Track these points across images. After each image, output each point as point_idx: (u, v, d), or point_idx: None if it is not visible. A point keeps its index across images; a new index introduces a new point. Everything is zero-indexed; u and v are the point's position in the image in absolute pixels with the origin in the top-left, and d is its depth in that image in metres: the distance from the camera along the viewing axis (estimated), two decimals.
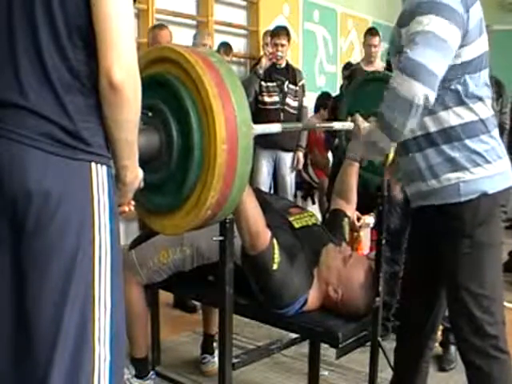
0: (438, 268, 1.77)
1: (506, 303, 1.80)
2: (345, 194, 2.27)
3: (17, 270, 1.10)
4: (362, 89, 2.51)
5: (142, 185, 1.29)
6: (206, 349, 2.64)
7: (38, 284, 1.08)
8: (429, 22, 1.54)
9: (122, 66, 1.07)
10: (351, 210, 2.30)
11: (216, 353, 2.46)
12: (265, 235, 1.81)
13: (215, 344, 2.51)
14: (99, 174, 1.11)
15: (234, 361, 1.74)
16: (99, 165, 1.11)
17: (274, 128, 1.81)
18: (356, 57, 6.30)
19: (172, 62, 1.41)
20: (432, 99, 1.52)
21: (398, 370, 1.99)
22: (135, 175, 1.23)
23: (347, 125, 2.20)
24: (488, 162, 1.66)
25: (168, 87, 1.40)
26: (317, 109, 5.48)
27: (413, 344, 1.91)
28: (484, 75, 1.69)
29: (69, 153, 1.08)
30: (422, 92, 1.50)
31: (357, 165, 2.24)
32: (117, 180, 1.21)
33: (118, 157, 1.17)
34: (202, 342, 2.66)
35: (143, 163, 1.26)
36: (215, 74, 1.37)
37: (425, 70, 1.51)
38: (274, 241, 1.84)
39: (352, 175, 2.25)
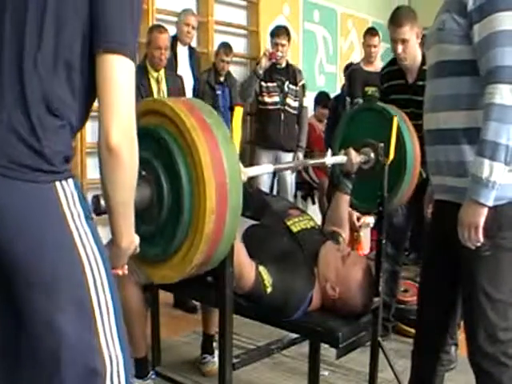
0: (456, 269, 1.74)
1: None
2: (338, 224, 2.28)
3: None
4: (356, 119, 2.53)
5: (138, 250, 1.29)
6: (206, 349, 2.64)
7: (27, 307, 1.09)
8: None
9: (120, 129, 1.09)
10: (345, 233, 2.31)
11: (216, 353, 2.46)
12: (248, 274, 1.81)
13: (215, 344, 2.51)
14: (66, 189, 1.10)
15: (234, 361, 1.74)
16: (63, 181, 1.10)
17: (266, 169, 1.85)
18: (356, 57, 6.29)
19: (170, 120, 1.44)
20: None
21: (414, 374, 1.98)
22: (130, 240, 1.23)
23: (339, 159, 2.22)
24: None
25: (163, 147, 1.43)
26: (315, 108, 5.47)
27: (430, 347, 1.90)
28: None
29: (32, 176, 1.06)
30: None
31: (348, 198, 2.27)
32: (112, 243, 1.21)
33: (114, 220, 1.18)
34: (202, 342, 2.66)
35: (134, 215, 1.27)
36: (209, 138, 1.39)
37: None
38: (260, 268, 1.85)
39: (344, 208, 2.28)
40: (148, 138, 1.41)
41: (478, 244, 1.61)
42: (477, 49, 1.58)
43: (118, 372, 1.13)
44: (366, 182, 2.32)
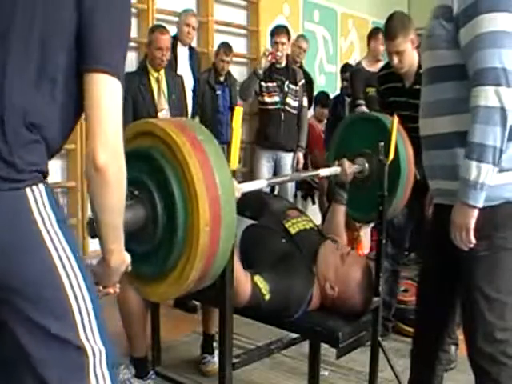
0: (454, 269, 1.75)
1: None
2: (335, 233, 2.28)
3: None
4: (351, 129, 2.55)
5: (130, 269, 1.29)
6: (206, 349, 2.64)
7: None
8: (495, 21, 1.52)
9: (107, 149, 1.09)
10: (342, 241, 2.31)
11: (216, 353, 2.46)
12: (244, 288, 1.81)
13: (215, 344, 2.51)
14: (36, 194, 1.09)
15: (234, 361, 1.74)
16: (34, 186, 1.09)
17: (260, 184, 1.86)
18: (356, 57, 6.30)
19: (161, 140, 1.45)
20: None
21: (413, 374, 1.98)
22: (121, 259, 1.23)
23: (333, 170, 2.23)
24: None
25: (156, 167, 1.44)
26: (314, 107, 5.47)
27: (429, 348, 1.91)
28: None
29: (1, 185, 1.06)
30: (508, 95, 1.50)
31: (344, 208, 2.29)
32: (103, 263, 1.22)
33: (104, 240, 1.18)
34: (202, 341, 2.66)
35: (129, 235, 1.27)
36: (201, 154, 1.40)
37: (505, 73, 1.50)
38: (255, 278, 1.85)
39: (340, 218, 2.30)
40: (140, 159, 1.43)
41: (471, 245, 1.62)
42: (464, 53, 1.60)
43: (101, 364, 1.14)
44: (362, 191, 2.33)
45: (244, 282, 1.81)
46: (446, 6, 1.63)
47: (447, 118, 1.69)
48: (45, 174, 1.12)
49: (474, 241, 1.60)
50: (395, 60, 2.76)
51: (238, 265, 1.79)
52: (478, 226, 1.61)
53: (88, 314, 1.12)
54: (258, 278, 1.85)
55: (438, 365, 1.91)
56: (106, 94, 1.10)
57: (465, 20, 1.57)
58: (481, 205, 1.56)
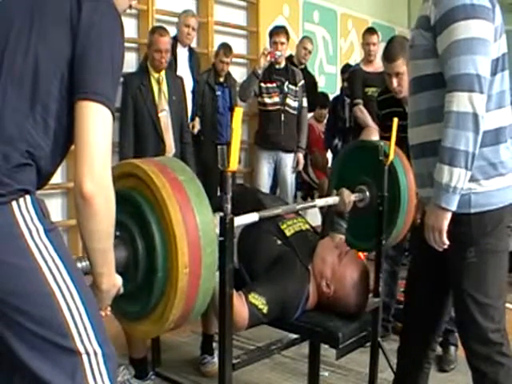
0: (443, 273, 1.76)
1: (506, 304, 1.79)
2: None
3: None
4: (350, 158, 2.56)
5: (122, 291, 1.30)
6: (206, 349, 2.64)
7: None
8: (469, 28, 1.54)
9: (93, 178, 1.10)
10: None
11: (216, 353, 2.46)
12: (241, 314, 1.80)
13: (215, 344, 2.51)
14: (22, 207, 1.10)
15: (234, 361, 1.74)
16: (21, 198, 1.10)
17: (251, 218, 1.86)
18: (356, 57, 6.30)
19: (142, 182, 1.46)
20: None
21: (400, 371, 1.99)
22: (112, 283, 1.24)
23: (331, 200, 2.22)
24: (501, 174, 1.65)
25: (136, 209, 1.45)
26: (314, 107, 5.46)
27: (417, 346, 1.91)
28: (504, 78, 1.66)
29: None
30: (480, 101, 1.52)
31: (343, 237, 2.28)
32: (94, 286, 1.22)
33: (93, 265, 1.19)
34: (202, 342, 2.66)
35: None
36: (181, 195, 1.41)
37: (479, 79, 1.53)
38: (250, 296, 1.84)
39: None
40: (123, 200, 1.43)
41: (445, 246, 1.64)
42: (440, 60, 1.62)
43: (98, 365, 1.14)
44: (363, 219, 2.32)
45: (239, 307, 1.79)
46: (425, 15, 1.66)
47: (430, 126, 1.70)
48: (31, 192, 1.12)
49: (447, 242, 1.63)
50: (394, 83, 2.76)
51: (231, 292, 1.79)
52: (467, 233, 1.64)
53: (81, 319, 1.12)
54: (252, 296, 1.85)
55: (425, 363, 1.92)
56: (97, 122, 1.11)
57: (441, 28, 1.59)
58: (454, 208, 1.59)
